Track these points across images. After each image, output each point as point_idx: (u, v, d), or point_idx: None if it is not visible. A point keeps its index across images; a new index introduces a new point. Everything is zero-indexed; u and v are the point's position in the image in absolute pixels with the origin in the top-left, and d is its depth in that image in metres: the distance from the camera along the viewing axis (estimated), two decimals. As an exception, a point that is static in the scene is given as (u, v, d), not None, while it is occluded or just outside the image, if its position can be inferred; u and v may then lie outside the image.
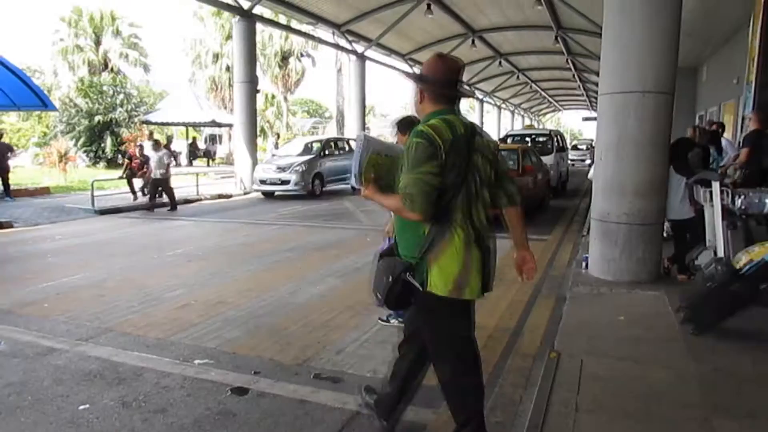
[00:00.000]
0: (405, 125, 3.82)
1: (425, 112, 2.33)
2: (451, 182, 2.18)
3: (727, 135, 9.50)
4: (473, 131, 2.29)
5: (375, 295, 2.39)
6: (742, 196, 4.89)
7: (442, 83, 2.29)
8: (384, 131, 56.11)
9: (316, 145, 16.31)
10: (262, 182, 14.79)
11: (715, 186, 4.94)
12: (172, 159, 13.37)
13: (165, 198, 12.51)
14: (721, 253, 4.83)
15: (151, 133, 18.09)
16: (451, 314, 2.29)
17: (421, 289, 2.23)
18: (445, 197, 2.18)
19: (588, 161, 30.17)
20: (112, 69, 31.32)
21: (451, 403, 2.42)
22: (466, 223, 2.23)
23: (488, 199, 2.33)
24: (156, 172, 12.11)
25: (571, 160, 27.35)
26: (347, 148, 17.06)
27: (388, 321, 4.67)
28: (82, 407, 3.08)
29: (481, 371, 2.44)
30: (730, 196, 4.93)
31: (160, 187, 12.37)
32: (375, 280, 2.38)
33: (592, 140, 28.55)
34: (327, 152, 15.95)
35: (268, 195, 14.82)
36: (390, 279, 2.27)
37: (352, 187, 2.60)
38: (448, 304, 2.24)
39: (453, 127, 2.21)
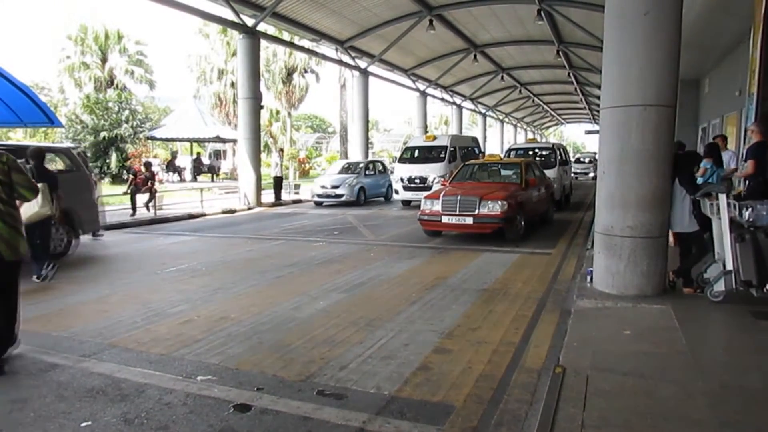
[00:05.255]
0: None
1: None
2: None
3: (731, 147, 9.49)
4: None
5: None
6: (750, 209, 4.86)
7: None
8: (387, 146, 56.41)
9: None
10: None
11: (722, 198, 4.91)
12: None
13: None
14: (729, 266, 4.80)
15: None
16: None
17: None
18: None
19: (592, 174, 30.24)
20: (117, 85, 31.59)
21: None
22: None
23: (1, 194, 3.87)
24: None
25: (575, 173, 27.41)
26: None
27: (39, 278, 6.42)
28: (84, 424, 3.07)
29: None
30: (737, 208, 4.91)
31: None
32: None
33: (595, 153, 28.58)
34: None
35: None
36: None
37: None
38: None
39: None
